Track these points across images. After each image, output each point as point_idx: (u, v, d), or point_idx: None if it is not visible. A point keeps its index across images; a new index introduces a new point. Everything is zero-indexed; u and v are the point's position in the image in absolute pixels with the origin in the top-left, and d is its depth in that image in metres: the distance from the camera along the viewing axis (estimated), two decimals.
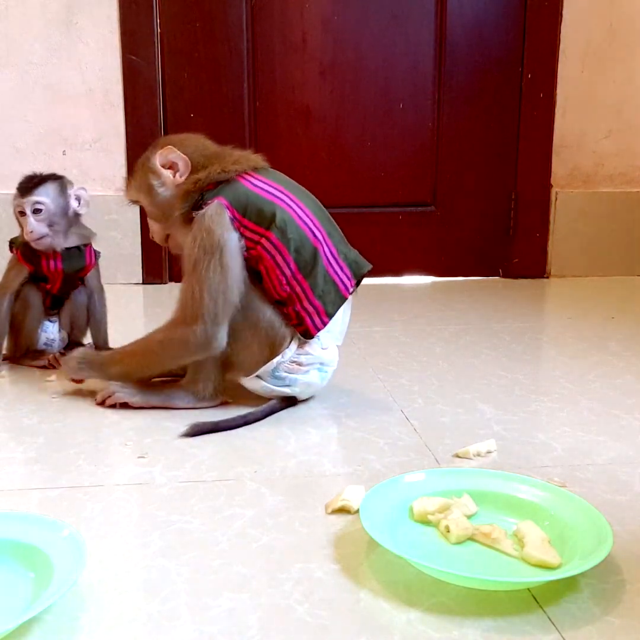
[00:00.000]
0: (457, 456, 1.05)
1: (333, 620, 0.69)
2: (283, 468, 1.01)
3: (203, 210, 1.15)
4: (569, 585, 0.73)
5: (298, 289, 1.16)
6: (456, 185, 2.30)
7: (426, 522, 0.84)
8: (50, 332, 1.47)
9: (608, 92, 2.25)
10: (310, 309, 1.16)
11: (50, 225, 1.35)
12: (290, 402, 1.22)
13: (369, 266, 1.23)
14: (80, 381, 1.29)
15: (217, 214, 1.14)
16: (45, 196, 1.35)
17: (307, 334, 1.18)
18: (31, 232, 1.34)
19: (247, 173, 1.18)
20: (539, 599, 0.72)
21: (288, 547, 0.81)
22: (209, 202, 1.15)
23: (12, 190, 1.37)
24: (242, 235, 1.15)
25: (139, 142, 2.04)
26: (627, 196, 2.31)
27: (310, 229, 1.17)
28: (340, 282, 1.19)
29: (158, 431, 1.13)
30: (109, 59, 2.09)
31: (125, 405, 1.21)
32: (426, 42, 2.21)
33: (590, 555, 0.73)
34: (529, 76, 2.22)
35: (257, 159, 1.22)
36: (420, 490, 0.88)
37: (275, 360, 1.17)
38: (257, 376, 1.19)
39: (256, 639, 0.66)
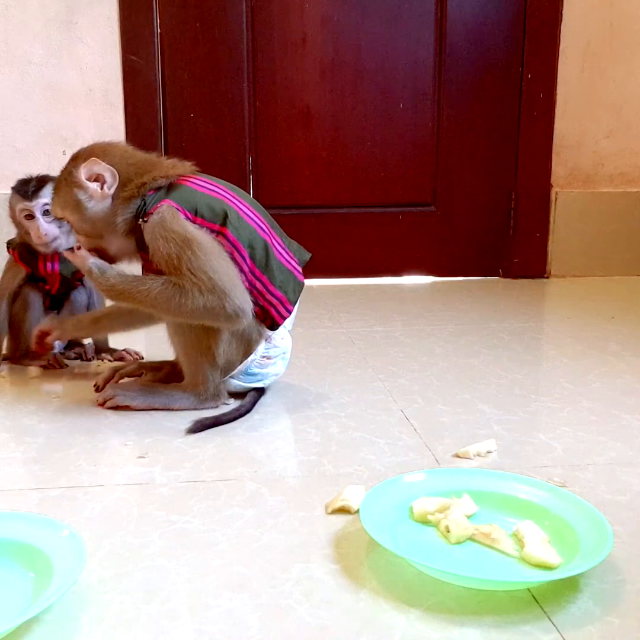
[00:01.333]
0: (457, 456, 1.04)
1: (333, 620, 0.69)
2: (283, 468, 1.01)
3: (154, 216, 1.11)
4: (569, 585, 0.73)
5: (258, 284, 1.16)
6: (456, 185, 2.30)
7: (426, 522, 0.84)
8: None
9: (608, 92, 2.25)
10: (274, 300, 1.17)
11: (59, 225, 1.36)
12: (262, 390, 1.25)
13: (309, 254, 1.26)
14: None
15: (173, 216, 1.10)
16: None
17: (274, 326, 1.19)
18: (45, 234, 1.34)
19: (187, 176, 1.17)
20: (539, 599, 0.72)
21: (288, 547, 0.81)
22: (156, 206, 1.12)
23: None
24: None
25: (139, 142, 2.03)
26: (627, 196, 2.31)
27: (256, 223, 1.17)
28: (294, 269, 1.21)
29: (158, 431, 1.13)
30: (109, 59, 2.09)
31: (125, 407, 1.21)
32: (426, 42, 2.21)
33: (590, 555, 0.73)
34: (529, 76, 2.22)
35: (190, 165, 1.20)
36: (420, 490, 0.88)
37: (249, 359, 1.20)
38: (230, 376, 1.21)
39: (256, 639, 0.66)
